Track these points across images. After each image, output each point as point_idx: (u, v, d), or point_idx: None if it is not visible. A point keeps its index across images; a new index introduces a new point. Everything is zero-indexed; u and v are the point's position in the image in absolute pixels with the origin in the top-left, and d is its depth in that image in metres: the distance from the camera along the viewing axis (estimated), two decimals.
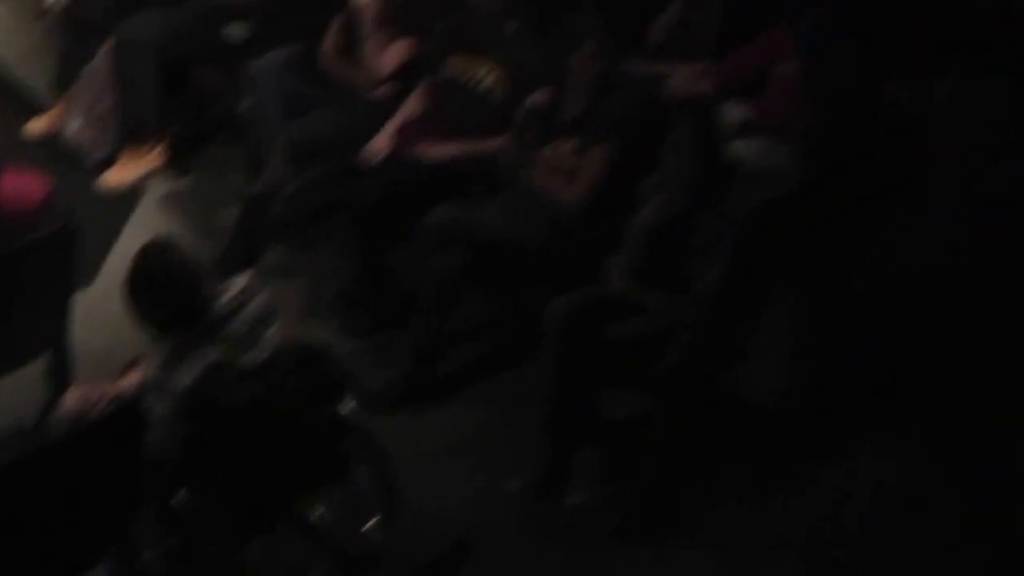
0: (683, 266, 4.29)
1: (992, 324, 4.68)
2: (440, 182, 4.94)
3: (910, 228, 4.79)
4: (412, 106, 5.22)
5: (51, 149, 5.87)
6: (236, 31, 5.91)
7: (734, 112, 4.97)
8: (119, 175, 5.82)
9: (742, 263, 4.17)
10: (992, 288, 4.72)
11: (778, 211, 4.65)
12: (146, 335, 3.69)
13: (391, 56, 5.36)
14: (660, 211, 4.32)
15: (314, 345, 3.98)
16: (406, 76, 5.37)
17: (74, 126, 5.90)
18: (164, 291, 3.58)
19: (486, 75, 5.04)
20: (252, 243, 5.27)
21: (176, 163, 5.93)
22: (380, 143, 5.14)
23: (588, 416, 4.37)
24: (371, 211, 4.90)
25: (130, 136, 5.84)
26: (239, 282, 3.73)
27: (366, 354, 4.93)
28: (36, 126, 5.99)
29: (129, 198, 5.75)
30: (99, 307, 4.78)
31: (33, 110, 6.08)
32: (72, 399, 3.74)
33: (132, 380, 3.76)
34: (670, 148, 4.26)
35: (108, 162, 5.85)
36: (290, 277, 5.29)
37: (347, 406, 3.88)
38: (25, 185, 4.29)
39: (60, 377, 4.35)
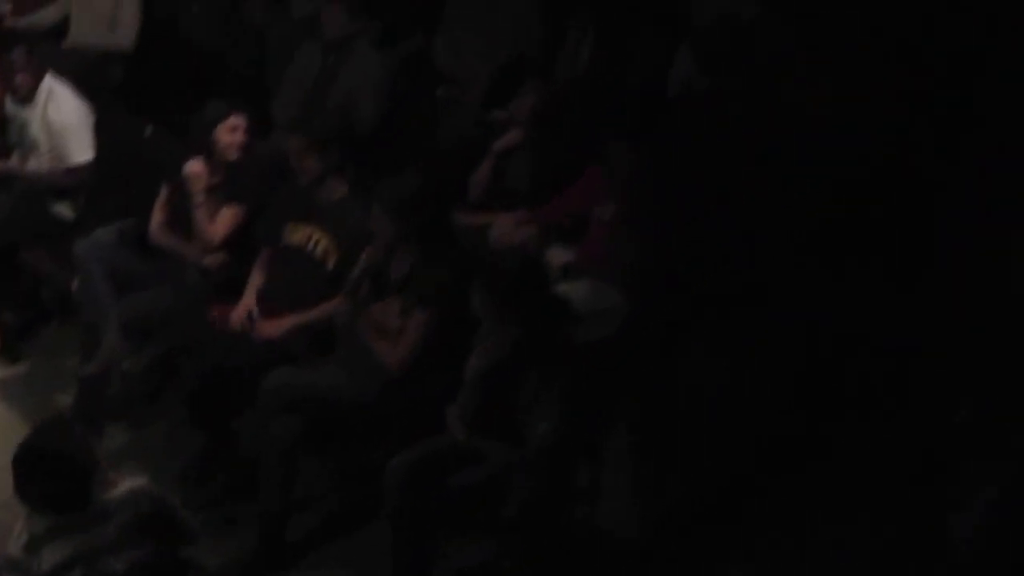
0: (518, 410, 4.36)
1: (818, 446, 4.83)
2: (276, 350, 4.97)
3: (735, 358, 4.94)
4: (257, 279, 5.25)
5: None
6: (63, 211, 5.92)
7: (557, 255, 5.14)
8: None
9: (574, 404, 4.26)
10: (816, 412, 4.88)
11: (607, 350, 4.79)
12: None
13: (222, 222, 5.41)
14: (487, 357, 4.41)
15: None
16: (237, 243, 5.44)
17: None
18: (52, 470, 3.50)
19: (318, 241, 5.12)
20: (91, 425, 5.23)
21: (9, 349, 5.86)
22: (239, 315, 5.12)
23: (435, 568, 4.38)
24: (209, 384, 4.90)
25: None
26: (128, 482, 3.69)
27: (213, 527, 4.87)
28: None
29: None
30: None
31: None
32: None
33: None
34: (492, 296, 4.37)
35: None
36: (131, 455, 5.23)
37: None
38: None
39: None
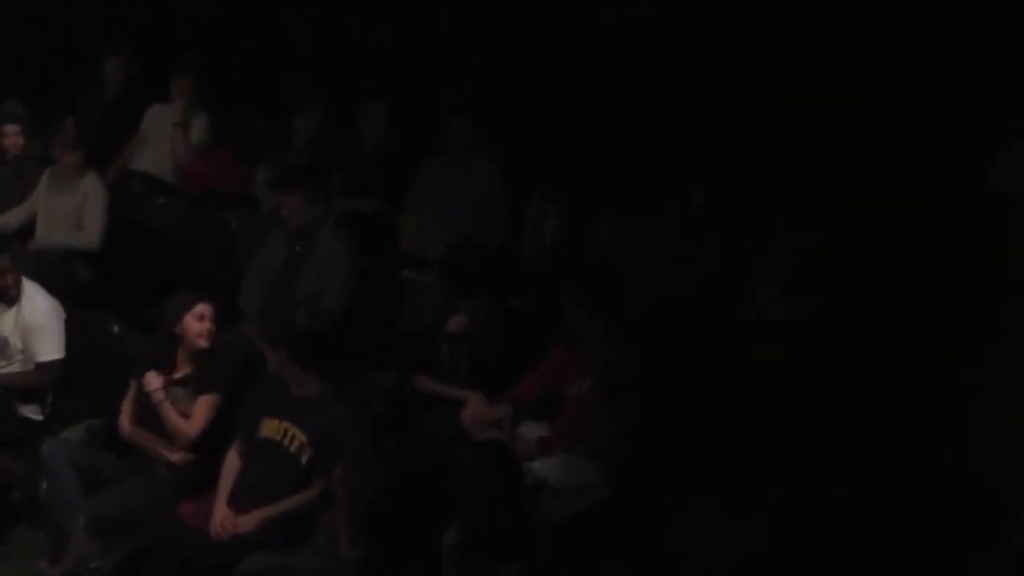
0: None
1: None
2: (249, 543, 4.90)
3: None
4: (228, 476, 5.18)
5: None
6: (31, 412, 5.86)
7: (531, 430, 5.12)
8: None
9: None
10: None
11: (583, 525, 4.74)
12: None
13: (199, 414, 5.35)
14: (462, 531, 4.39)
15: None
16: (208, 434, 5.38)
17: None
18: None
19: (293, 436, 5.09)
20: None
21: None
22: (218, 525, 4.99)
23: None
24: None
25: None
26: None
27: None
28: None
29: None
30: None
31: None
32: None
33: None
34: (462, 475, 4.35)
35: None
36: None
37: None
38: None
39: None
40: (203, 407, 5.37)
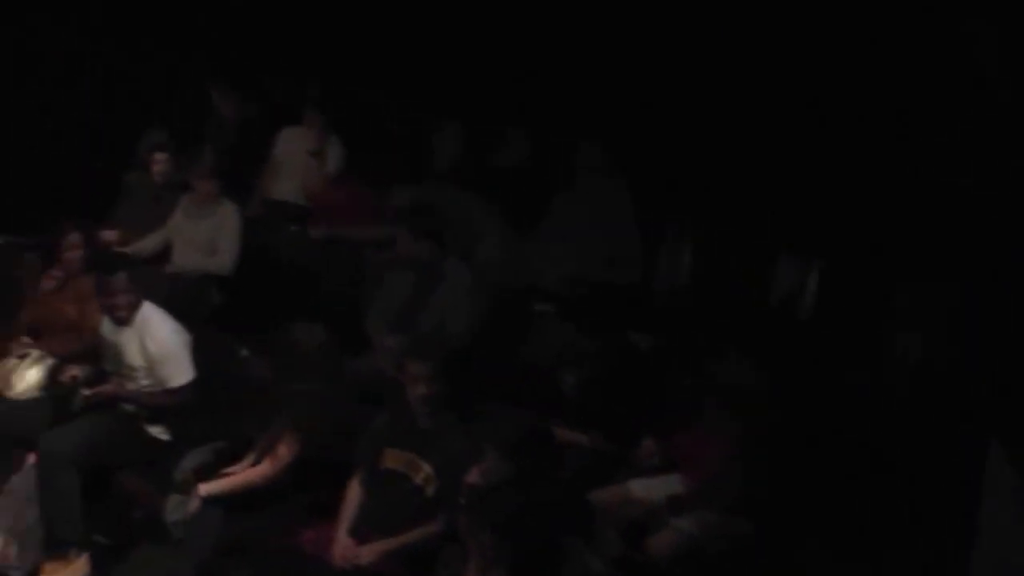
0: None
1: None
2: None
3: None
4: (350, 505, 5.17)
5: None
6: (159, 433, 5.92)
7: (646, 491, 5.11)
8: None
9: None
10: None
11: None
12: None
13: (284, 449, 5.35)
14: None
15: None
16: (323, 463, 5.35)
17: None
18: None
19: (419, 468, 5.07)
20: None
21: (100, 572, 5.78)
22: (341, 555, 5.00)
23: None
24: None
25: (53, 549, 5.71)
26: None
27: None
28: None
29: None
30: None
31: None
32: None
33: None
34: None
35: None
36: None
37: None
38: None
39: None
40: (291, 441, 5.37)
